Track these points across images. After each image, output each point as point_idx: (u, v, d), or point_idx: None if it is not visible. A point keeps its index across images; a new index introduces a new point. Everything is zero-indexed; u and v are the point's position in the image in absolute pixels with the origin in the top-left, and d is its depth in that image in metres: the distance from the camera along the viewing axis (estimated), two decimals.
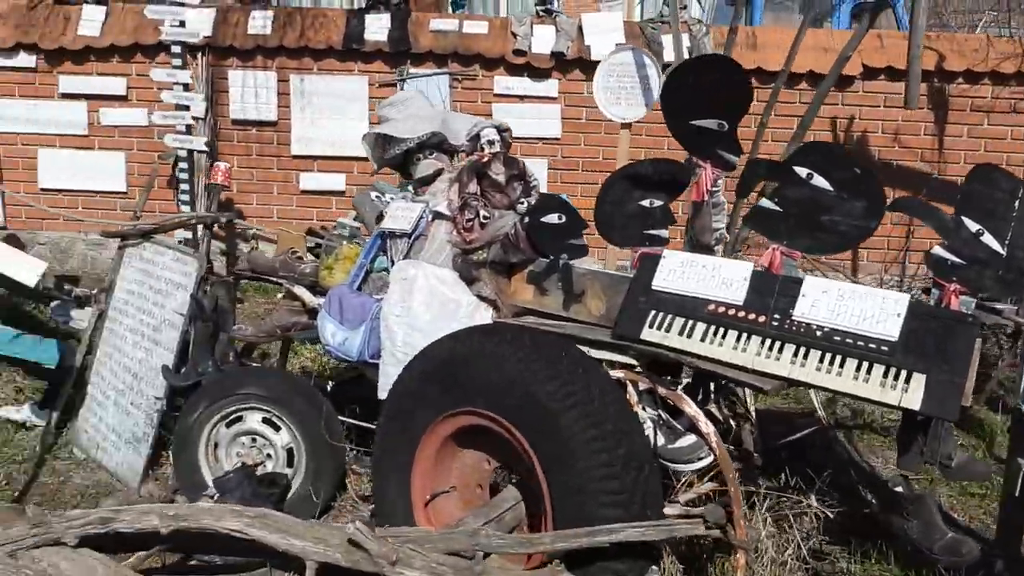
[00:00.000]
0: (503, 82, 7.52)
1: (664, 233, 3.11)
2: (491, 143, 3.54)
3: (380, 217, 3.95)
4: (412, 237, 3.62)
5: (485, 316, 3.32)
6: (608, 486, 2.47)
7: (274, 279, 4.10)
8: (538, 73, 7.47)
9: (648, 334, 2.89)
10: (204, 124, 6.41)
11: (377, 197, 4.21)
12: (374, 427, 3.79)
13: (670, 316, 2.89)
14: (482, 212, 3.40)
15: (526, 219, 3.32)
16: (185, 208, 6.04)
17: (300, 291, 3.96)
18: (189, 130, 5.94)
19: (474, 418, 2.82)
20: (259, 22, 7.54)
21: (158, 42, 7.32)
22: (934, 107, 7.47)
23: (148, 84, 7.39)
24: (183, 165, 6.09)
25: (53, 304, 4.92)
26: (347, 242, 3.97)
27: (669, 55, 6.96)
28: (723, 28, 7.71)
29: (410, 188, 3.93)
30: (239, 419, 3.78)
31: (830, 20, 9.49)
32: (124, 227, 4.62)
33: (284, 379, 4.01)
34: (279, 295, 6.40)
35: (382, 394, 3.35)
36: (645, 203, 3.11)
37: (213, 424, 3.79)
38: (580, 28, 7.45)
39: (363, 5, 7.97)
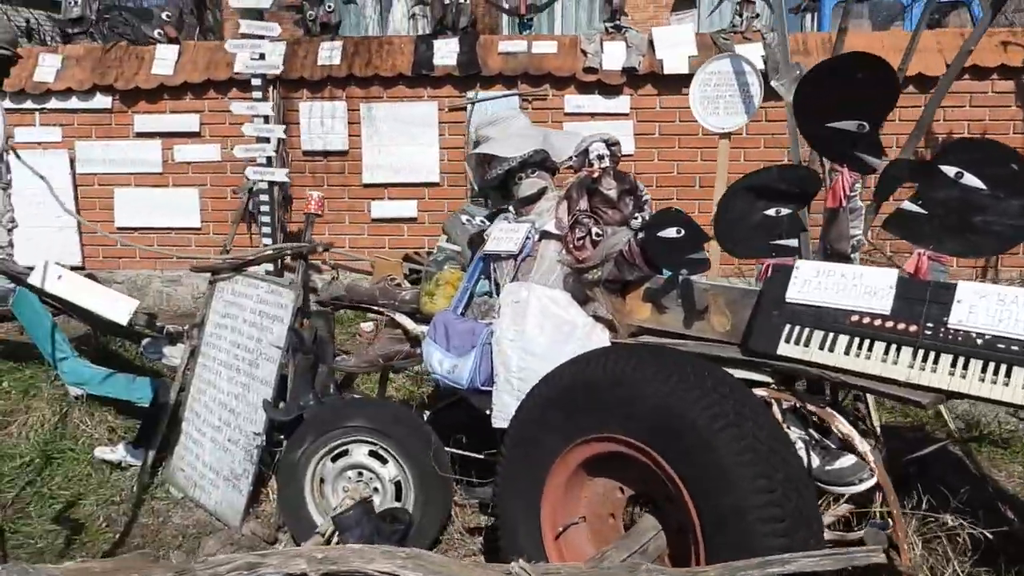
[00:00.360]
0: (574, 100, 7.41)
1: (794, 243, 2.94)
2: (600, 158, 3.40)
3: (472, 240, 3.83)
4: (519, 258, 3.49)
5: (602, 337, 3.17)
6: (769, 512, 2.30)
7: (374, 307, 4.00)
8: (609, 90, 7.35)
9: (785, 349, 2.74)
10: (277, 156, 6.39)
11: (467, 220, 4.11)
12: (480, 457, 3.68)
13: (808, 329, 2.73)
14: (594, 229, 3.26)
15: (640, 234, 3.18)
16: (267, 240, 5.99)
17: (402, 319, 3.85)
18: (270, 162, 5.90)
19: (610, 444, 2.66)
20: (327, 53, 7.55)
21: (229, 78, 7.40)
22: (1022, 104, 7.19)
23: (220, 120, 7.46)
24: (263, 197, 6.05)
25: (145, 342, 4.87)
26: (446, 266, 3.87)
27: None
28: (796, 35, 7.55)
29: (511, 208, 3.81)
30: (345, 452, 3.68)
31: (900, 21, 9.25)
32: (215, 261, 4.58)
33: (389, 410, 3.88)
34: (362, 324, 6.31)
35: (498, 423, 3.21)
36: (771, 212, 2.96)
37: (319, 459, 3.69)
38: (651, 42, 7.32)
39: (428, 31, 7.94)
